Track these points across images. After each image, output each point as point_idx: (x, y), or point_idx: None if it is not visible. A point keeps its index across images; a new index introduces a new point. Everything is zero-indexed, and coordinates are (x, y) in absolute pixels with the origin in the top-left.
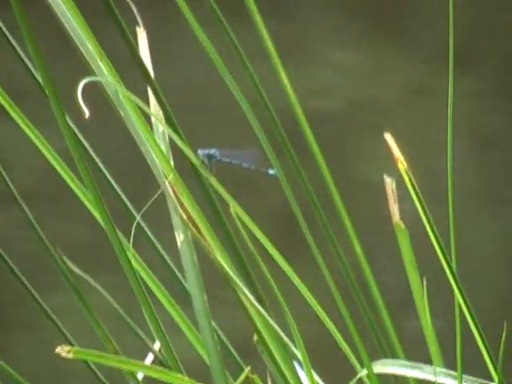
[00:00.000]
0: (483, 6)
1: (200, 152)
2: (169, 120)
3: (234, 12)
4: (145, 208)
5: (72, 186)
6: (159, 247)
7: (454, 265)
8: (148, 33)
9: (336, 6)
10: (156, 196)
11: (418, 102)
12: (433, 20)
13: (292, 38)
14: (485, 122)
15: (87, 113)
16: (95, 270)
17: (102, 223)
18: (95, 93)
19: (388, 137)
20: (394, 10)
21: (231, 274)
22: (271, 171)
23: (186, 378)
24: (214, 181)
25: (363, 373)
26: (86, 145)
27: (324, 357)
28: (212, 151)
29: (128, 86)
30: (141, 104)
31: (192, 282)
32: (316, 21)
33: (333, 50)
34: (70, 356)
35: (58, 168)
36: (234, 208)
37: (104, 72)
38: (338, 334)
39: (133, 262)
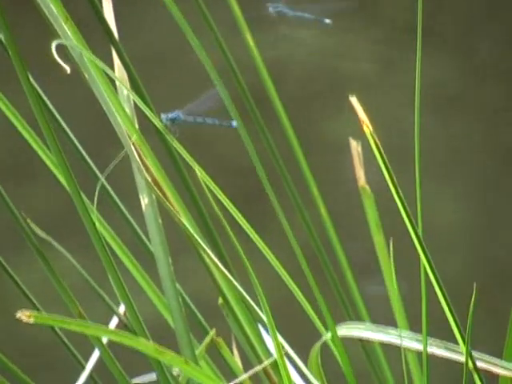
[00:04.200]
0: None
1: (163, 116)
2: (133, 83)
3: None
4: (108, 169)
5: (35, 147)
6: (124, 210)
7: (419, 227)
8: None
9: None
10: (119, 157)
11: (383, 73)
12: None
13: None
14: (447, 90)
15: (68, 69)
16: (61, 234)
17: (65, 185)
18: (59, 55)
19: (353, 100)
20: None
21: (196, 236)
22: (234, 123)
23: (151, 343)
24: (177, 145)
25: (327, 336)
26: (50, 106)
27: (290, 321)
28: (174, 114)
29: (93, 49)
30: (105, 67)
31: (157, 245)
32: None
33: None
34: (31, 321)
35: (20, 129)
36: (200, 173)
37: (69, 35)
38: (303, 298)
39: (97, 224)
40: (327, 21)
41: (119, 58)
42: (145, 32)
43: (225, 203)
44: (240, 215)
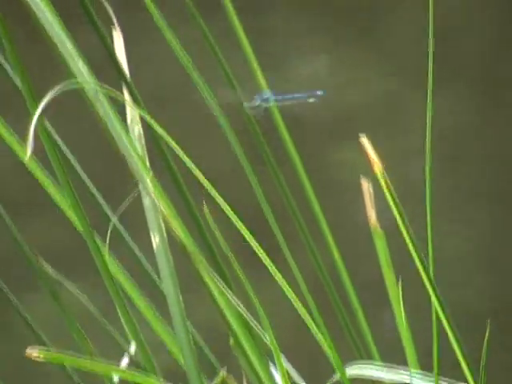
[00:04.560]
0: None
1: (257, 96)
2: (145, 115)
3: (210, 11)
4: (120, 209)
5: (47, 186)
6: (135, 248)
7: (430, 268)
8: (124, 34)
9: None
10: (131, 197)
11: (393, 108)
12: (406, 30)
13: (265, 38)
14: (455, 123)
15: (30, 149)
16: (72, 272)
17: (77, 224)
18: (70, 92)
19: (364, 140)
20: (369, 14)
21: (208, 274)
22: (319, 92)
23: (161, 381)
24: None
25: (337, 377)
26: (62, 145)
27: (304, 354)
28: (267, 95)
29: (104, 87)
30: (119, 97)
31: (167, 283)
32: (289, 22)
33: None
34: (41, 358)
35: (32, 168)
36: (207, 210)
37: (82, 73)
38: (319, 334)
39: (108, 263)
40: (319, 92)
41: (131, 96)
42: (154, 67)
43: (244, 234)
44: (259, 247)
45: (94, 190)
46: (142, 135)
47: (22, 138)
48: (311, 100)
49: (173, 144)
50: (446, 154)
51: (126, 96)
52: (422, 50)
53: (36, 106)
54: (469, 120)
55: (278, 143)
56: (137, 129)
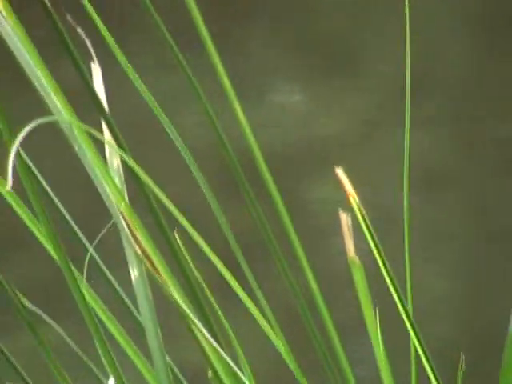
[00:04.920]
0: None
1: None
2: (123, 153)
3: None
4: (96, 240)
5: (25, 219)
6: (113, 280)
7: (408, 303)
8: (102, 68)
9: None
10: (107, 228)
11: (368, 136)
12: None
13: (242, 74)
14: (433, 156)
15: (10, 183)
16: (52, 306)
17: (54, 257)
18: (48, 125)
19: (340, 171)
20: (344, 47)
21: (186, 310)
22: None
23: None
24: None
25: None
26: (40, 178)
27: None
28: None
29: (82, 121)
30: (96, 134)
31: (146, 317)
32: (265, 56)
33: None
34: None
35: (10, 200)
36: (182, 244)
37: (59, 108)
38: (297, 369)
39: (86, 295)
40: None
41: (109, 130)
42: (134, 100)
43: (218, 267)
44: (234, 281)
45: (71, 222)
46: (121, 168)
47: (0, 172)
48: None
49: (149, 182)
50: (422, 188)
51: (105, 132)
52: (400, 84)
53: (13, 141)
54: (446, 156)
55: (256, 176)
56: (115, 162)
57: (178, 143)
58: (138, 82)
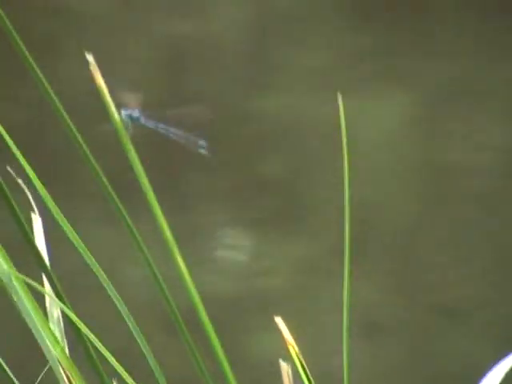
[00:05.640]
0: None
1: (123, 112)
2: (64, 305)
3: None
4: None
5: None
6: None
7: None
8: (43, 217)
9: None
10: (42, 375)
11: (307, 283)
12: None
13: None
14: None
15: None
16: None
17: None
18: None
19: (279, 320)
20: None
21: None
22: (202, 143)
23: None
24: (108, 354)
25: None
26: None
27: None
28: (135, 113)
29: (22, 272)
30: (36, 286)
31: None
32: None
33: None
34: None
35: None
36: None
37: None
38: None
39: None
40: (201, 143)
41: (50, 283)
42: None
43: None
44: None
45: (6, 368)
46: (61, 319)
47: None
48: (189, 143)
49: (89, 334)
50: (362, 329)
51: (46, 284)
52: (341, 228)
53: None
54: (386, 297)
55: (197, 323)
56: (56, 313)
57: (115, 298)
58: (75, 240)
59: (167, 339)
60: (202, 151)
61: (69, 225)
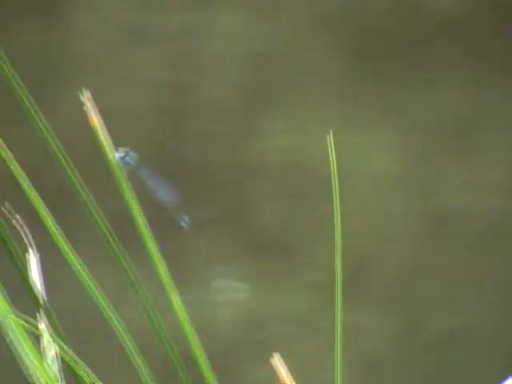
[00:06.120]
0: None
1: (117, 155)
2: (61, 344)
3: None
4: None
5: None
6: None
7: None
8: (40, 254)
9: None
10: None
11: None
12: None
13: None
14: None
15: None
16: None
17: None
18: None
19: (276, 358)
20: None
21: None
22: (185, 219)
23: None
24: None
25: None
26: None
27: None
28: (131, 160)
29: (19, 309)
30: (32, 327)
31: None
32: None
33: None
34: None
35: None
36: None
37: None
38: None
39: None
40: (185, 219)
41: (46, 320)
42: (73, 289)
43: None
44: None
45: None
46: (56, 359)
47: None
48: (173, 213)
49: (85, 376)
50: (361, 374)
51: (42, 323)
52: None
53: None
54: (386, 347)
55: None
56: (51, 354)
57: (120, 336)
58: (82, 276)
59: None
60: (183, 224)
61: (79, 262)
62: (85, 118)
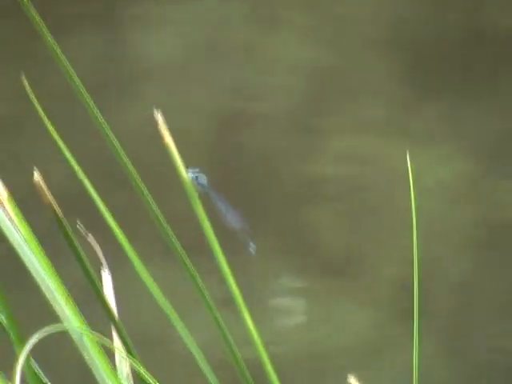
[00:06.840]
0: None
1: (190, 172)
2: (133, 360)
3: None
4: None
5: None
6: None
7: None
8: (112, 272)
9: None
10: None
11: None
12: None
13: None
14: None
15: None
16: None
17: None
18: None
19: (352, 380)
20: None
21: None
22: (252, 245)
23: None
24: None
25: None
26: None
27: None
28: (202, 181)
29: (90, 324)
30: (106, 343)
31: None
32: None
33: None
34: None
35: None
36: None
37: (68, 316)
38: None
39: None
40: (252, 245)
41: (120, 337)
42: (142, 305)
43: None
44: None
45: None
46: (131, 376)
47: (9, 377)
48: (241, 239)
49: None
50: None
51: (115, 339)
52: (402, 294)
53: (22, 347)
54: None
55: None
56: (125, 370)
57: (193, 348)
58: (154, 290)
59: None
60: (251, 250)
61: (151, 280)
62: (149, 135)
